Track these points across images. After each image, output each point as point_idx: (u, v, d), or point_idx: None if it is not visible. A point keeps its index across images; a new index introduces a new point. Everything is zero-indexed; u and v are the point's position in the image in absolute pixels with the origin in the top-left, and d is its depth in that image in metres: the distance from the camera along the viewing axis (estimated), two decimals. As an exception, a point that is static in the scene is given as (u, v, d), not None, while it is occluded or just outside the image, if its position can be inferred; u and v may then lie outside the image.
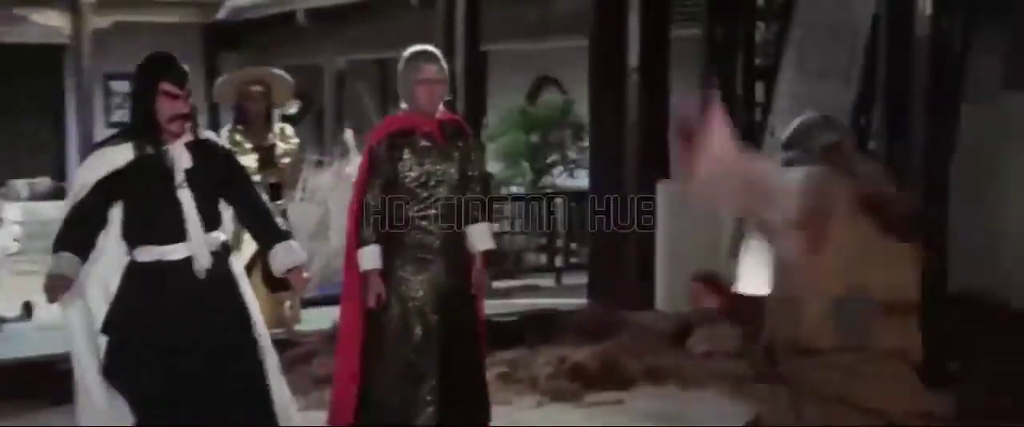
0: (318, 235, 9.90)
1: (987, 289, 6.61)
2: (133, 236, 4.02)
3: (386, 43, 14.22)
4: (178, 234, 3.99)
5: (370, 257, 4.49)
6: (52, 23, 16.11)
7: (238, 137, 6.85)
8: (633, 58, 7.14)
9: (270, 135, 6.92)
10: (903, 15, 5.81)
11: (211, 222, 4.10)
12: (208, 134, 4.24)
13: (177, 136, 4.01)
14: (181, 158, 4.02)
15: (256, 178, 6.74)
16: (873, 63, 6.81)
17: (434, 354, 4.54)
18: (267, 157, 6.84)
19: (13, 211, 14.17)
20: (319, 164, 10.72)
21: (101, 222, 4.01)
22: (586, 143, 10.84)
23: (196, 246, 4.00)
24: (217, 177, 4.11)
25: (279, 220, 6.50)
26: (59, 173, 17.04)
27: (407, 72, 4.54)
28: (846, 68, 7.04)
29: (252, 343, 4.15)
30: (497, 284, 8.21)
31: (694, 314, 6.78)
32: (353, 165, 10.95)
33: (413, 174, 4.54)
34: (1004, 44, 7.07)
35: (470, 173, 4.68)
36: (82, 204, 3.99)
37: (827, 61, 7.16)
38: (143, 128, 4.00)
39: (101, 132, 17.03)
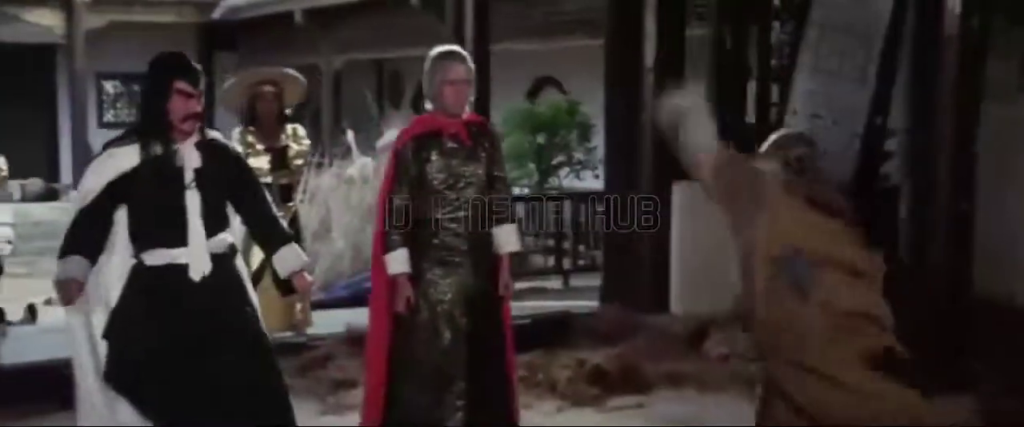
0: (320, 236, 9.82)
1: (1008, 291, 6.57)
2: (142, 239, 3.96)
3: (385, 43, 14.22)
4: (181, 238, 3.95)
5: (399, 261, 4.43)
6: (45, 22, 16.02)
7: (250, 138, 6.77)
8: (649, 58, 7.07)
9: (282, 136, 6.84)
10: (931, 14, 5.75)
11: (219, 224, 4.05)
12: (215, 135, 4.18)
13: (188, 136, 3.98)
14: (191, 158, 3.98)
15: (267, 180, 6.71)
16: (891, 63, 6.78)
17: (462, 357, 4.49)
18: (279, 158, 6.76)
19: (4, 213, 14.05)
20: (319, 165, 10.63)
21: (109, 225, 3.97)
22: (593, 144, 10.80)
23: (195, 251, 3.95)
24: (226, 178, 4.07)
25: (284, 222, 6.55)
26: (52, 174, 16.93)
27: (434, 72, 4.48)
28: (862, 68, 6.99)
29: (259, 343, 4.12)
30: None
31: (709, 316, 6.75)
32: (355, 166, 10.91)
33: (440, 176, 4.48)
34: (1021, 46, 7.03)
35: (496, 174, 4.64)
36: (91, 207, 3.93)
37: (843, 61, 7.10)
38: (154, 128, 3.94)
39: (94, 132, 16.97)
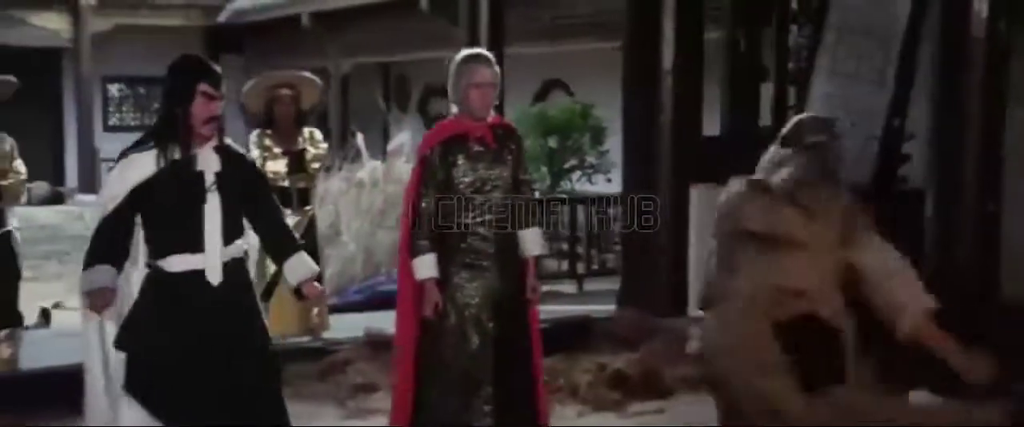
0: (330, 240, 9.80)
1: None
2: (161, 245, 3.93)
3: (393, 47, 14.21)
4: (202, 243, 3.92)
5: (427, 266, 4.40)
6: (51, 26, 16.02)
7: (267, 141, 6.75)
8: (667, 61, 7.05)
9: (300, 139, 6.81)
10: (956, 16, 5.73)
11: (237, 229, 4.03)
12: (228, 140, 4.14)
13: (207, 140, 3.96)
14: (211, 162, 3.96)
15: (285, 183, 6.69)
16: (909, 65, 6.76)
17: (490, 361, 4.47)
18: (297, 162, 6.74)
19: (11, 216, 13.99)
20: (327, 169, 10.61)
21: (132, 232, 3.94)
22: (605, 147, 10.77)
23: (211, 258, 3.93)
24: (242, 184, 4.05)
25: (293, 231, 6.52)
26: (57, 178, 16.90)
27: (460, 75, 4.46)
28: (880, 70, 6.98)
29: (266, 346, 4.14)
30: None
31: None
32: (365, 169, 10.90)
33: (467, 180, 4.46)
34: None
35: (521, 177, 4.63)
36: (115, 215, 3.89)
37: (860, 64, 7.09)
38: (175, 131, 3.91)
39: (100, 136, 16.96)
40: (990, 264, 5.75)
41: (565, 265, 9.62)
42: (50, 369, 5.92)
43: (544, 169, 10.77)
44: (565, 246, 9.62)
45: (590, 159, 10.65)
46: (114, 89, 18.11)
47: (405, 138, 11.11)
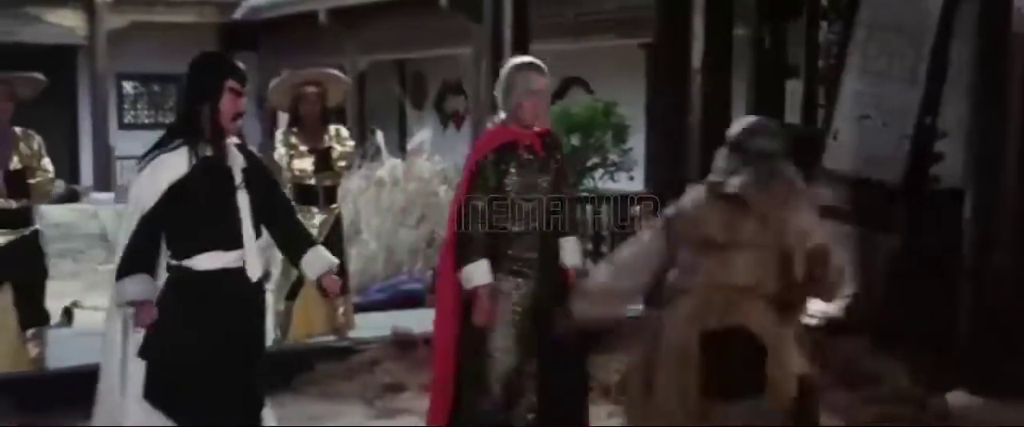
0: (350, 238, 9.74)
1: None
2: (190, 244, 3.89)
3: (410, 43, 14.14)
4: (237, 239, 3.91)
5: (480, 272, 4.35)
6: (67, 23, 15.98)
7: (293, 139, 6.71)
8: (697, 58, 6.97)
9: (326, 137, 6.76)
10: (996, 12, 5.65)
11: (258, 226, 4.02)
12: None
13: (232, 136, 3.96)
14: (237, 159, 3.96)
15: (311, 181, 6.65)
16: (941, 62, 6.67)
17: (534, 369, 4.47)
18: (323, 160, 6.69)
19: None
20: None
21: (162, 234, 3.91)
22: (628, 146, 10.71)
23: (250, 253, 3.94)
24: (263, 182, 4.06)
25: (317, 224, 6.51)
26: (72, 176, 16.84)
27: (512, 84, 4.43)
28: (912, 68, 6.90)
29: (264, 343, 4.23)
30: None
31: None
32: (385, 167, 10.84)
33: (516, 187, 4.45)
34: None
35: (565, 185, 4.67)
36: (153, 217, 3.85)
37: (892, 61, 7.01)
38: (204, 129, 3.89)
39: (115, 133, 16.92)
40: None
41: (590, 263, 9.51)
42: (75, 368, 5.89)
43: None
44: (590, 245, 9.52)
45: (613, 157, 10.59)
46: (129, 86, 18.06)
47: (426, 136, 11.06)
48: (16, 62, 7.24)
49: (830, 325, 6.78)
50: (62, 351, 6.32)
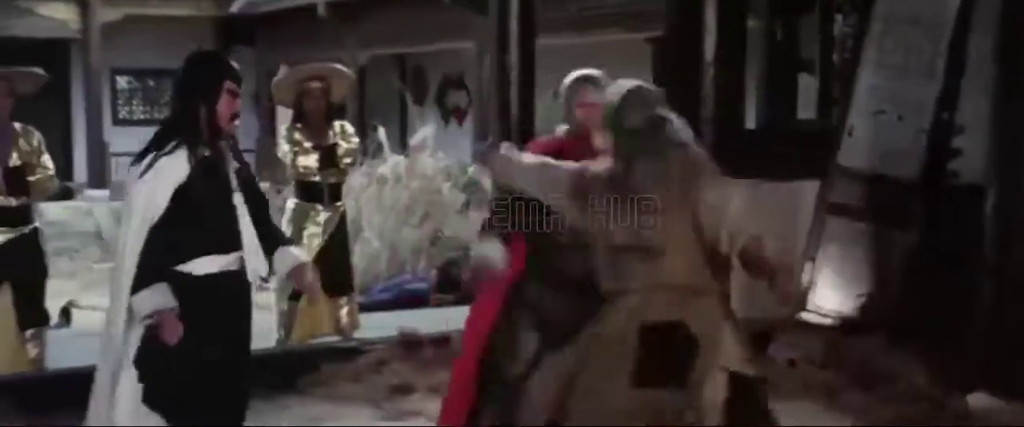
0: (353, 236, 9.62)
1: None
2: (191, 247, 3.79)
3: (411, 37, 14.02)
4: (235, 241, 3.84)
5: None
6: (59, 16, 15.82)
7: (297, 135, 6.57)
8: (709, 52, 6.86)
9: (330, 133, 6.62)
10: (1018, 4, 5.55)
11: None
12: None
13: (226, 137, 3.89)
14: (230, 159, 3.90)
15: (316, 178, 6.52)
16: (959, 56, 6.57)
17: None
18: (328, 156, 6.55)
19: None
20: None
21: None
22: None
23: (251, 254, 3.87)
24: (248, 178, 3.99)
25: (323, 222, 6.40)
26: (66, 173, 16.66)
27: (572, 95, 4.30)
28: (929, 62, 6.80)
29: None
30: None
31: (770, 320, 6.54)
32: (387, 164, 10.70)
33: None
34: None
35: None
36: (165, 223, 3.73)
37: (909, 55, 6.91)
38: (203, 130, 3.79)
39: (109, 129, 16.76)
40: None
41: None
42: (74, 369, 5.78)
43: (571, 163, 10.59)
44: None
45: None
46: (123, 81, 17.87)
47: (428, 132, 10.92)
48: (7, 56, 7.11)
49: (845, 324, 6.70)
50: (61, 352, 6.22)
